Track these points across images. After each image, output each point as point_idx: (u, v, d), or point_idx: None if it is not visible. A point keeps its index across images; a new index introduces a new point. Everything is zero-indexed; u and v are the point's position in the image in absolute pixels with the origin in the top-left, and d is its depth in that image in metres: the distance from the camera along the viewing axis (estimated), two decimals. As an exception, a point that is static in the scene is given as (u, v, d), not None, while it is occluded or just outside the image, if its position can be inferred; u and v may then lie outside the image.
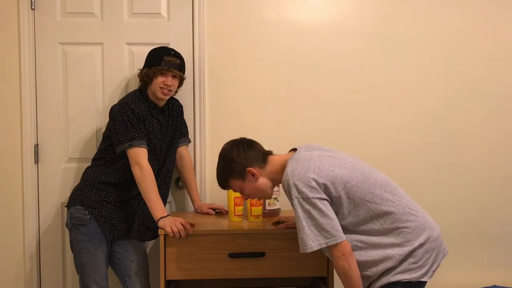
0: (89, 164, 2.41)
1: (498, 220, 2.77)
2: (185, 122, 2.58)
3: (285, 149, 2.01)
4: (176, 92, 2.43)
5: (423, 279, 1.78)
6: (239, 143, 1.94)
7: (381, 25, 2.70)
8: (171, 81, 2.32)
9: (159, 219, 2.10)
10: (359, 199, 1.77)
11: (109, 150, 2.32)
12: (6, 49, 2.58)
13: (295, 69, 2.68)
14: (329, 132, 2.68)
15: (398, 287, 1.77)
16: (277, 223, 2.22)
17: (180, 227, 2.06)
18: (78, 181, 2.40)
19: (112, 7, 2.61)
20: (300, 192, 1.73)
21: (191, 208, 2.61)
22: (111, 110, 2.35)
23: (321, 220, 1.71)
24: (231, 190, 2.25)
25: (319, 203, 1.72)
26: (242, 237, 2.12)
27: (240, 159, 1.89)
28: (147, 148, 2.24)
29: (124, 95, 2.49)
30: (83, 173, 2.40)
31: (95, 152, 2.42)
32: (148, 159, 2.23)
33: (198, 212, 2.50)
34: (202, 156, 2.65)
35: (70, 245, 2.32)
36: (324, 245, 1.72)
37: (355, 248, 1.78)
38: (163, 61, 2.29)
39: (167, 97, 2.37)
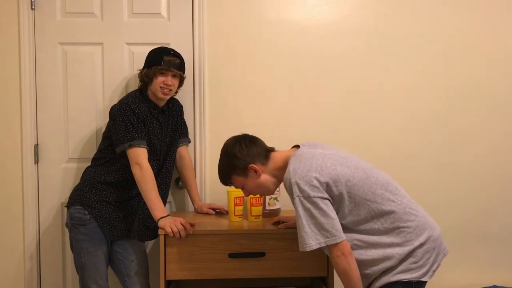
0: (89, 164, 2.41)
1: (498, 220, 2.77)
2: (185, 122, 2.58)
3: (285, 148, 2.01)
4: (176, 92, 2.43)
5: (423, 279, 1.78)
6: (241, 139, 1.94)
7: (381, 25, 2.70)
8: (171, 81, 2.32)
9: (159, 219, 2.10)
10: (360, 198, 1.77)
11: (109, 150, 2.32)
12: (6, 49, 2.58)
13: (295, 69, 2.68)
14: (329, 132, 2.68)
15: (398, 286, 1.76)
16: (277, 223, 2.22)
17: (180, 227, 2.06)
18: (78, 181, 2.40)
19: (112, 7, 2.61)
20: (301, 190, 1.72)
21: (191, 208, 2.61)
22: (111, 110, 2.35)
23: (322, 219, 1.71)
24: (231, 190, 2.26)
25: (320, 202, 1.72)
26: (242, 237, 2.12)
27: (243, 156, 1.89)
28: (147, 148, 2.24)
29: (124, 95, 2.49)
30: (83, 173, 2.40)
31: (95, 152, 2.41)
32: (148, 159, 2.23)
33: (198, 212, 2.50)
34: (202, 156, 2.65)
35: (70, 245, 2.32)
36: (323, 244, 1.72)
37: (355, 247, 1.78)
38: (163, 60, 2.29)
39: (168, 97, 2.37)
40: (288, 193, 1.80)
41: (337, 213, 1.76)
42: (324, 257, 2.11)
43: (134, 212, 2.32)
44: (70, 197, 2.34)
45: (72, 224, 2.27)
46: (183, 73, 2.39)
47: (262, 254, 2.11)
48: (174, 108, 2.50)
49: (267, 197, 2.37)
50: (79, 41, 2.61)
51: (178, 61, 2.34)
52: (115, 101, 2.43)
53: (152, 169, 2.22)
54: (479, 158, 2.75)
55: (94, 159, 2.39)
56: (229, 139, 1.97)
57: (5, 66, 2.59)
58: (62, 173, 2.63)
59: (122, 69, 2.62)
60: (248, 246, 2.11)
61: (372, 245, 1.78)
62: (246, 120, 2.65)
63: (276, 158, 1.92)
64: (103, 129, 2.45)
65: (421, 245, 1.78)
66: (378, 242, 1.78)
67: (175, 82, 2.36)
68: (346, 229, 1.77)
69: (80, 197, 2.28)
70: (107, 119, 2.38)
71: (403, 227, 1.78)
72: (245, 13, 2.66)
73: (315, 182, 1.73)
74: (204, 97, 2.65)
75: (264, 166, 1.91)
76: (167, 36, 2.62)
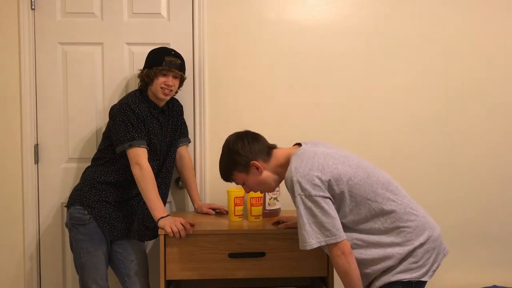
0: (89, 164, 2.41)
1: (498, 220, 2.77)
2: (185, 122, 2.58)
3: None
4: (176, 92, 2.43)
5: (423, 279, 1.78)
6: (244, 135, 1.94)
7: (381, 25, 2.70)
8: (172, 81, 2.32)
9: (159, 219, 2.10)
10: (361, 197, 1.77)
11: (109, 150, 2.32)
12: (6, 49, 2.58)
13: (295, 69, 2.68)
14: (329, 132, 2.68)
15: (398, 286, 1.77)
16: (277, 223, 2.22)
17: (180, 227, 2.06)
18: (78, 181, 2.40)
19: (112, 7, 2.61)
20: (303, 189, 1.72)
21: (191, 208, 2.61)
22: (111, 110, 2.35)
23: (322, 218, 1.71)
24: (231, 190, 2.26)
25: (321, 201, 1.72)
26: (242, 237, 2.12)
27: (245, 152, 1.89)
28: (147, 148, 2.24)
29: (124, 95, 2.49)
30: (82, 173, 2.40)
31: (95, 152, 2.41)
32: (148, 159, 2.23)
33: (198, 212, 2.50)
34: (202, 156, 2.65)
35: (70, 245, 2.32)
36: (324, 243, 1.72)
37: (355, 246, 1.78)
38: (164, 61, 2.29)
39: (168, 98, 2.37)
40: (289, 192, 1.80)
41: (338, 212, 1.76)
42: (324, 257, 2.11)
43: (134, 212, 2.32)
44: (70, 197, 2.34)
45: (72, 224, 2.27)
46: (184, 73, 2.39)
47: (262, 254, 2.11)
48: (174, 108, 2.50)
49: (267, 197, 2.37)
50: (79, 41, 2.61)
51: (179, 61, 2.34)
52: (115, 101, 2.43)
53: (152, 169, 2.22)
54: (479, 158, 2.75)
55: (94, 159, 2.39)
56: (231, 135, 1.97)
57: (5, 66, 2.59)
58: (62, 173, 2.63)
59: (122, 69, 2.62)
60: (248, 246, 2.11)
61: (372, 245, 1.78)
62: (246, 120, 2.65)
63: (278, 155, 1.92)
64: (103, 129, 2.45)
65: (421, 245, 1.78)
66: (378, 241, 1.78)
67: (176, 82, 2.36)
68: (346, 228, 1.77)
69: (80, 197, 2.28)
70: (107, 119, 2.38)
71: (403, 226, 1.78)
72: (245, 13, 2.66)
73: (317, 181, 1.73)
74: (204, 97, 2.65)
75: (266, 163, 1.91)
76: (167, 36, 2.62)
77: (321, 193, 1.73)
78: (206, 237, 2.11)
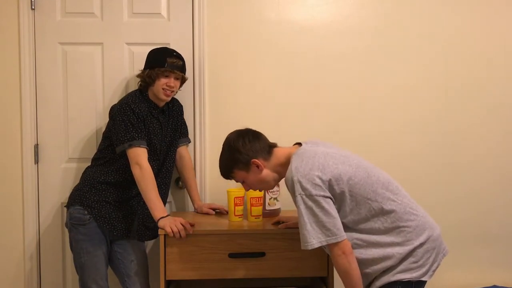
0: (89, 164, 2.41)
1: (498, 220, 2.77)
2: (185, 122, 2.58)
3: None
4: (175, 92, 2.43)
5: (423, 279, 1.78)
6: (245, 133, 1.94)
7: (381, 25, 2.70)
8: (174, 83, 2.32)
9: (159, 219, 2.10)
10: (361, 197, 1.77)
11: (109, 150, 2.32)
12: (6, 49, 2.58)
13: (295, 69, 2.68)
14: (329, 132, 2.68)
15: (398, 286, 1.77)
16: (277, 223, 2.22)
17: (180, 227, 2.06)
18: (78, 181, 2.40)
19: (112, 7, 2.61)
20: (304, 189, 1.72)
21: (191, 208, 2.61)
22: (111, 110, 2.35)
23: (323, 218, 1.71)
24: (231, 190, 2.26)
25: (322, 200, 1.72)
26: (242, 237, 2.12)
27: (246, 150, 1.89)
28: (147, 148, 2.24)
29: (124, 95, 2.49)
30: (82, 173, 2.40)
31: (95, 152, 2.41)
32: (148, 159, 2.23)
33: (198, 212, 2.50)
34: (202, 156, 2.65)
35: (70, 245, 2.32)
36: (324, 243, 1.72)
37: (355, 246, 1.78)
38: (166, 62, 2.29)
39: (169, 99, 2.37)
40: (289, 191, 1.80)
41: (339, 211, 1.76)
42: (324, 257, 2.11)
43: (134, 212, 2.32)
44: (70, 197, 2.34)
45: (72, 224, 2.27)
46: (185, 74, 2.40)
47: (262, 254, 2.11)
48: (174, 108, 2.50)
49: (267, 197, 2.37)
50: (79, 41, 2.61)
51: (181, 63, 2.34)
52: (115, 101, 2.43)
53: (152, 169, 2.22)
54: (479, 158, 2.75)
55: (94, 159, 2.39)
56: (232, 133, 1.96)
57: (5, 66, 2.59)
58: (62, 173, 2.63)
59: (122, 69, 2.62)
60: (248, 246, 2.11)
61: (373, 244, 1.78)
62: (246, 120, 2.62)
63: (278, 154, 1.92)
64: (103, 129, 2.45)
65: (421, 244, 1.78)
66: (379, 241, 1.78)
67: (177, 83, 2.36)
68: (346, 228, 1.77)
69: (80, 197, 2.28)
70: (107, 119, 2.38)
71: (403, 226, 1.78)
72: (245, 13, 2.66)
73: (317, 181, 1.73)
74: (204, 97, 2.65)
75: (267, 162, 1.91)
76: (167, 36, 2.62)
77: (322, 193, 1.73)
78: (206, 237, 2.11)
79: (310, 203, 1.72)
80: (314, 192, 1.72)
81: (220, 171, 1.97)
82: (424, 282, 1.80)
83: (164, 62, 2.29)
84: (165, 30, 2.62)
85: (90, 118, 2.62)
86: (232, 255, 2.10)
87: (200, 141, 2.65)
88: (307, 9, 2.68)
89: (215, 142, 2.53)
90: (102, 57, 2.62)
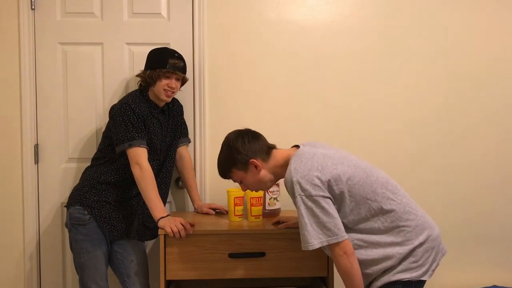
0: (89, 164, 2.41)
1: (498, 220, 2.77)
2: (185, 122, 2.58)
3: (285, 148, 2.01)
4: (176, 92, 2.43)
5: (423, 278, 1.79)
6: (244, 134, 1.94)
7: (381, 25, 2.70)
8: (175, 84, 2.32)
9: (159, 219, 2.10)
10: (361, 197, 1.78)
11: (109, 149, 2.32)
12: (6, 49, 2.58)
13: (295, 69, 2.68)
14: (329, 132, 2.68)
15: (398, 286, 1.77)
16: (277, 223, 2.22)
17: (180, 227, 2.06)
18: (78, 181, 2.40)
19: (112, 7, 2.61)
20: (303, 189, 1.73)
21: (191, 208, 2.60)
22: (111, 109, 2.35)
23: (324, 218, 1.72)
24: (231, 190, 2.26)
25: (322, 201, 1.72)
26: (242, 237, 2.12)
27: (245, 150, 1.89)
28: (147, 148, 2.24)
29: (124, 95, 2.49)
30: (82, 173, 2.40)
31: (95, 152, 2.41)
32: (148, 159, 2.23)
33: (198, 212, 2.50)
34: (202, 156, 2.65)
35: (70, 245, 2.32)
36: (325, 243, 1.72)
37: (355, 247, 1.78)
38: (168, 64, 2.28)
39: (170, 99, 2.37)
40: (289, 193, 1.80)
41: (338, 212, 1.76)
42: (324, 257, 2.11)
43: (134, 212, 2.32)
44: (69, 197, 2.34)
45: (72, 224, 2.27)
46: (186, 75, 2.40)
47: (262, 254, 2.11)
48: (174, 108, 2.50)
49: (267, 197, 2.37)
50: (79, 41, 2.61)
51: (182, 64, 2.34)
52: (115, 101, 2.44)
53: (152, 169, 2.22)
54: (479, 158, 2.75)
55: (94, 159, 2.39)
56: (232, 132, 1.97)
57: (5, 66, 2.59)
58: (62, 173, 2.63)
59: (122, 69, 2.62)
60: (248, 246, 2.11)
61: (373, 245, 1.78)
62: (246, 120, 2.63)
63: (277, 156, 1.93)
64: (103, 129, 2.45)
65: (421, 244, 1.78)
66: (379, 241, 1.78)
67: (178, 84, 2.36)
68: (346, 228, 1.77)
69: (79, 197, 2.28)
70: (107, 119, 2.38)
71: (403, 226, 1.78)
72: (245, 13, 2.66)
73: (317, 181, 1.73)
74: (204, 97, 2.65)
75: (265, 162, 1.91)
76: (167, 36, 2.62)
77: (321, 193, 1.73)
78: (206, 237, 2.11)
79: (310, 203, 1.72)
80: (313, 192, 1.72)
81: (218, 170, 1.98)
82: (424, 281, 1.80)
83: (165, 63, 2.29)
84: (165, 30, 2.62)
85: (90, 118, 2.62)
86: (232, 255, 2.10)
87: (200, 141, 2.65)
88: (307, 9, 2.68)
89: (215, 142, 2.52)
90: (102, 57, 2.62)
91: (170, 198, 2.61)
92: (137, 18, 2.62)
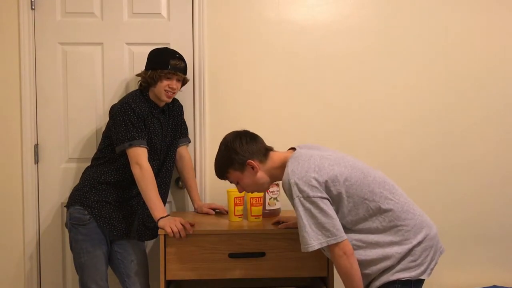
0: (89, 164, 2.41)
1: (498, 220, 2.77)
2: (185, 122, 2.58)
3: (286, 148, 2.01)
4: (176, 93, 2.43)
5: (422, 277, 1.79)
6: (242, 135, 1.95)
7: (381, 25, 2.70)
8: (176, 85, 2.32)
9: (159, 219, 2.10)
10: (359, 197, 1.78)
11: (109, 149, 2.32)
12: (6, 49, 2.58)
13: (295, 69, 2.68)
14: (329, 132, 2.68)
15: (397, 285, 1.77)
16: (277, 223, 2.22)
17: (180, 227, 2.06)
18: (78, 181, 2.40)
19: (112, 7, 2.61)
20: (301, 191, 1.73)
21: (191, 208, 2.61)
22: (111, 109, 2.35)
23: (322, 219, 1.72)
24: (231, 190, 2.26)
25: (320, 202, 1.72)
26: (242, 237, 2.12)
27: (242, 151, 1.90)
28: (147, 148, 2.24)
29: (124, 95, 2.49)
30: (82, 173, 2.40)
31: (95, 152, 2.41)
32: (148, 159, 2.23)
33: (198, 212, 2.50)
34: (202, 156, 2.65)
35: (70, 245, 2.32)
36: (325, 244, 1.73)
37: (354, 247, 1.78)
38: (169, 65, 2.28)
39: (171, 100, 2.37)
40: (287, 195, 1.81)
41: (337, 213, 1.77)
42: (324, 257, 2.11)
43: (134, 212, 2.32)
44: (69, 197, 2.34)
45: (72, 224, 2.27)
46: (186, 75, 2.40)
47: (262, 254, 2.11)
48: (174, 108, 2.50)
49: (267, 197, 2.37)
50: (79, 41, 2.61)
51: (183, 65, 2.34)
52: (115, 101, 2.44)
53: (152, 169, 2.22)
54: (479, 158, 2.75)
55: (94, 159, 2.39)
56: (230, 133, 1.98)
57: (5, 66, 2.59)
58: (62, 173, 2.63)
59: (122, 69, 2.62)
60: (248, 246, 2.11)
61: (371, 245, 1.78)
62: (246, 120, 2.64)
63: (274, 158, 1.94)
64: (103, 129, 2.45)
65: (419, 243, 1.78)
66: (377, 241, 1.78)
67: (179, 85, 2.36)
68: (345, 229, 1.78)
69: (80, 197, 2.28)
70: (107, 119, 2.38)
71: (401, 225, 1.79)
72: (245, 13, 2.66)
73: (314, 182, 1.73)
74: (204, 97, 2.65)
75: (262, 164, 1.92)
76: (167, 36, 2.62)
77: (319, 194, 1.73)
78: (206, 237, 2.11)
79: (308, 205, 1.73)
80: (311, 193, 1.72)
81: (215, 170, 1.99)
82: (423, 280, 1.81)
83: (167, 64, 2.28)
84: (165, 30, 2.62)
85: (90, 118, 2.62)
86: (232, 255, 2.10)
87: (200, 141, 2.65)
88: (307, 9, 2.68)
89: (215, 142, 2.50)
90: (102, 57, 2.62)
91: (170, 198, 2.61)
92: (137, 18, 2.62)
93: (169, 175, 2.44)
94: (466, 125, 2.74)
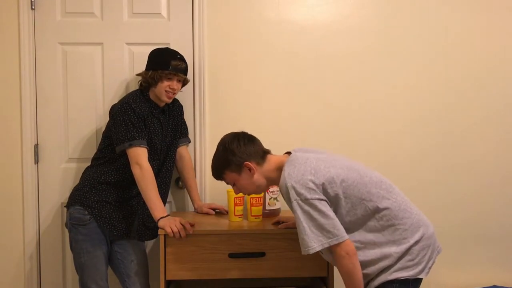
0: (89, 164, 2.41)
1: (498, 220, 2.76)
2: (185, 122, 2.58)
3: (286, 148, 2.01)
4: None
5: (420, 276, 1.80)
6: (240, 136, 1.95)
7: (381, 25, 2.70)
8: (176, 85, 2.32)
9: (159, 219, 2.10)
10: (356, 198, 1.79)
11: (109, 149, 2.32)
12: (6, 49, 2.58)
13: (295, 69, 2.68)
14: (329, 132, 2.68)
15: (395, 285, 1.77)
16: (277, 223, 2.23)
17: (180, 227, 2.06)
18: (78, 181, 2.40)
19: (112, 7, 2.61)
20: (298, 194, 1.73)
21: (191, 208, 2.61)
22: (111, 109, 2.35)
23: (322, 220, 1.72)
24: (231, 190, 2.26)
25: (318, 203, 1.72)
26: (242, 237, 2.12)
27: (240, 152, 1.90)
28: (147, 148, 2.24)
29: (124, 95, 2.49)
30: (82, 173, 2.40)
31: (95, 152, 2.41)
32: (148, 159, 2.23)
33: (198, 212, 2.50)
34: (202, 156, 2.65)
35: (70, 245, 2.32)
36: (326, 245, 1.72)
37: None
38: (170, 65, 2.28)
39: (171, 100, 2.37)
40: (284, 199, 1.82)
41: (335, 214, 1.77)
42: (324, 257, 2.11)
43: (134, 212, 2.32)
44: (70, 197, 2.34)
45: (72, 224, 2.27)
46: (187, 76, 2.40)
47: (262, 254, 2.11)
48: (174, 108, 2.50)
49: (267, 197, 2.37)
50: (79, 41, 2.61)
51: (184, 65, 2.34)
52: (115, 101, 2.44)
53: (152, 169, 2.22)
54: (479, 158, 2.75)
55: (94, 159, 2.39)
56: (228, 134, 1.98)
57: (5, 66, 2.59)
58: (62, 173, 2.63)
59: (122, 69, 2.62)
60: (248, 246, 2.11)
61: (370, 245, 1.79)
62: (246, 120, 2.65)
63: (271, 161, 1.94)
64: (103, 129, 2.45)
65: (417, 242, 1.79)
66: (375, 241, 1.79)
67: (180, 85, 2.36)
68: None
69: (80, 197, 2.28)
70: (107, 119, 2.38)
71: (399, 224, 1.79)
72: (245, 13, 2.66)
73: (311, 185, 1.73)
74: (204, 97, 2.65)
75: (259, 166, 1.92)
76: (167, 36, 2.62)
77: (317, 196, 1.73)
78: (206, 237, 2.11)
79: (306, 207, 1.73)
80: (309, 196, 1.73)
81: (212, 171, 1.99)
82: (421, 279, 1.82)
83: (168, 64, 2.28)
84: (165, 30, 2.62)
85: (90, 118, 2.62)
86: (232, 255, 2.10)
87: (200, 141, 2.65)
88: (307, 9, 2.68)
89: (215, 142, 2.49)
90: (102, 57, 2.62)
91: (170, 198, 2.61)
92: (137, 18, 2.62)
93: (169, 175, 2.44)
94: (466, 125, 2.74)
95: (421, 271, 1.79)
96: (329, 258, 1.85)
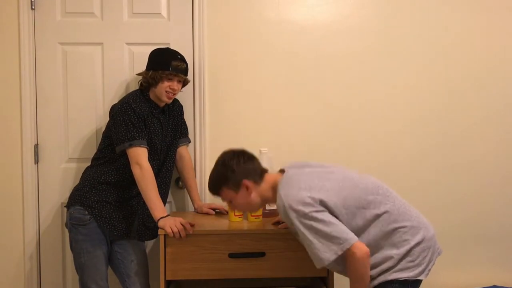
0: (89, 164, 2.41)
1: (498, 220, 2.76)
2: (185, 122, 2.58)
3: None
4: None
5: (419, 278, 1.80)
6: (240, 154, 1.96)
7: (381, 25, 2.70)
8: (177, 86, 2.32)
9: (159, 219, 2.10)
10: (354, 207, 1.79)
11: (109, 149, 2.32)
12: (6, 49, 2.58)
13: (295, 69, 2.68)
14: (329, 132, 2.68)
15: (395, 285, 1.78)
16: (277, 223, 2.22)
17: (180, 227, 2.06)
18: (78, 181, 2.40)
19: (112, 7, 2.61)
20: (296, 211, 1.73)
21: (191, 208, 2.60)
22: (111, 109, 2.35)
23: (326, 229, 1.71)
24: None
25: (318, 215, 1.73)
26: (242, 237, 2.12)
27: (239, 170, 1.90)
28: (147, 148, 2.24)
29: (124, 95, 2.49)
30: (82, 173, 2.40)
31: (95, 152, 2.41)
32: (148, 158, 2.23)
33: (198, 212, 2.50)
34: (202, 156, 2.65)
35: (70, 245, 2.32)
36: (340, 252, 1.71)
37: None
38: (171, 66, 2.28)
39: (171, 100, 2.37)
40: (283, 219, 1.82)
41: None
42: (324, 257, 2.11)
43: (134, 212, 2.32)
44: (70, 197, 2.34)
45: (72, 224, 2.27)
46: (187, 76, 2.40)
47: (262, 254, 2.11)
48: (174, 108, 2.50)
49: (267, 197, 2.37)
50: (79, 41, 2.61)
51: (185, 66, 2.34)
52: (115, 101, 2.44)
53: (152, 169, 2.22)
54: (479, 158, 2.75)
55: (94, 159, 2.39)
56: (228, 151, 1.98)
57: (5, 66, 2.59)
58: (62, 173, 2.63)
59: (122, 69, 2.62)
60: (248, 246, 2.11)
61: (372, 250, 1.78)
62: (246, 120, 2.65)
63: (268, 180, 1.95)
64: (103, 129, 2.45)
65: (418, 244, 1.79)
66: (377, 246, 1.79)
67: (180, 86, 2.36)
68: None
69: (80, 197, 2.28)
70: (107, 119, 2.38)
71: (399, 227, 1.80)
72: (245, 13, 2.66)
73: (308, 200, 1.74)
74: (204, 97, 2.65)
75: (257, 185, 1.93)
76: (167, 36, 2.62)
77: (314, 208, 1.73)
78: (206, 237, 2.11)
79: (308, 222, 1.73)
80: (307, 210, 1.73)
81: (209, 185, 2.00)
82: (420, 281, 1.82)
83: (168, 65, 2.28)
84: (165, 30, 2.62)
85: (90, 118, 2.62)
86: (232, 255, 2.10)
87: (200, 141, 2.65)
88: (307, 9, 2.68)
89: (215, 142, 2.53)
90: (102, 57, 2.62)
91: (170, 198, 2.61)
92: (137, 18, 2.62)
93: (169, 175, 2.44)
94: (466, 125, 2.74)
95: (421, 273, 1.79)
96: (336, 268, 1.84)
